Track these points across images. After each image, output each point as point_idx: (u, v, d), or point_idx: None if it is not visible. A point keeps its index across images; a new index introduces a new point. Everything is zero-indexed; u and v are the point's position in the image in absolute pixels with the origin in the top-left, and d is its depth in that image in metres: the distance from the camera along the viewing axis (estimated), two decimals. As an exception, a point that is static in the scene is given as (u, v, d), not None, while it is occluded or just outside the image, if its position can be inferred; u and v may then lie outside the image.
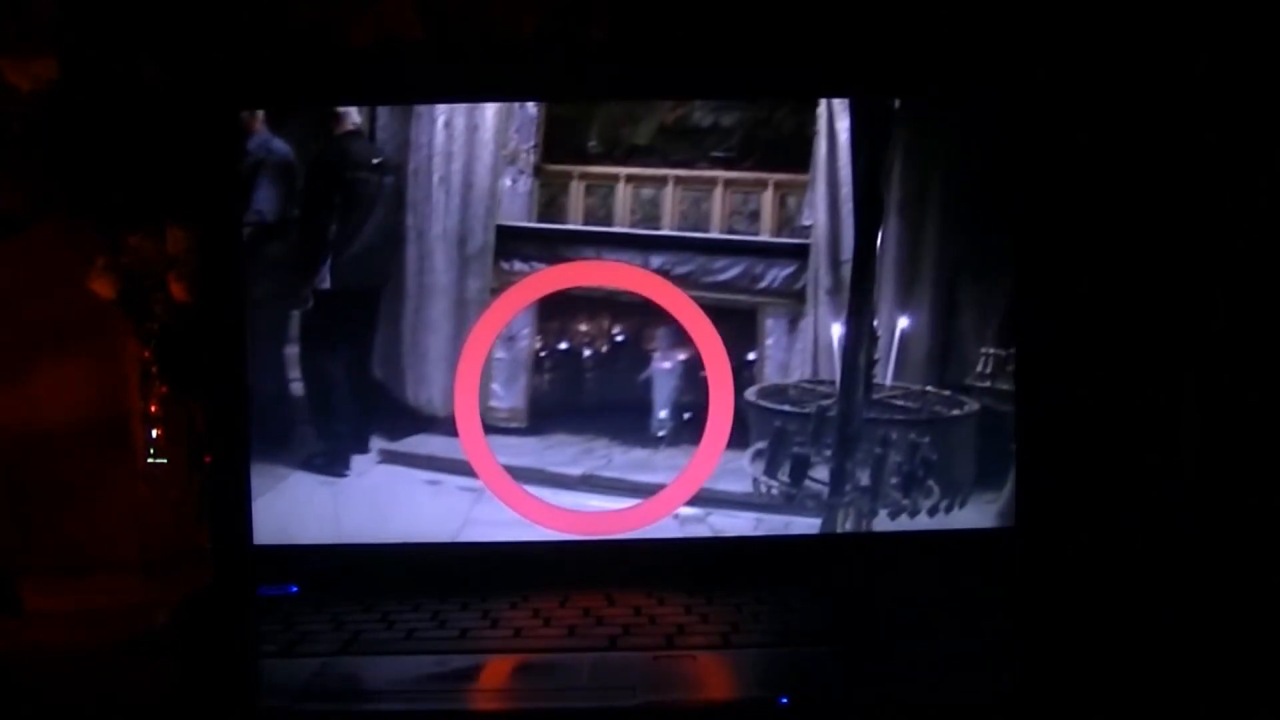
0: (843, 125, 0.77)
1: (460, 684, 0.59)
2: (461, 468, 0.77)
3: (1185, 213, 0.78)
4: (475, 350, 0.77)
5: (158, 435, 0.84)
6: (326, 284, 0.78)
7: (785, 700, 0.54)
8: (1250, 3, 0.75)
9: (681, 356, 0.77)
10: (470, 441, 0.77)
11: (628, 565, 0.76)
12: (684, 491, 0.77)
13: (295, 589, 0.75)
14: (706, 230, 0.78)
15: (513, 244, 0.78)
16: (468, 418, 0.77)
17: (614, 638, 0.64)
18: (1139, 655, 0.60)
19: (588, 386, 0.78)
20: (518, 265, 0.78)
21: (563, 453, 0.77)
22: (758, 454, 0.77)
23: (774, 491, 0.77)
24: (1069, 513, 0.77)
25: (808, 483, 0.77)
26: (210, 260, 0.77)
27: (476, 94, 0.78)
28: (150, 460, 0.84)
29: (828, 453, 0.77)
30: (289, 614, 0.69)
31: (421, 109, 0.77)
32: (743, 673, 0.60)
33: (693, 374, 0.77)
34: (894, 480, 0.77)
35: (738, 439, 0.77)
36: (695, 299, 0.77)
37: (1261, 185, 0.76)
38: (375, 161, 0.77)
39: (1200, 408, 0.78)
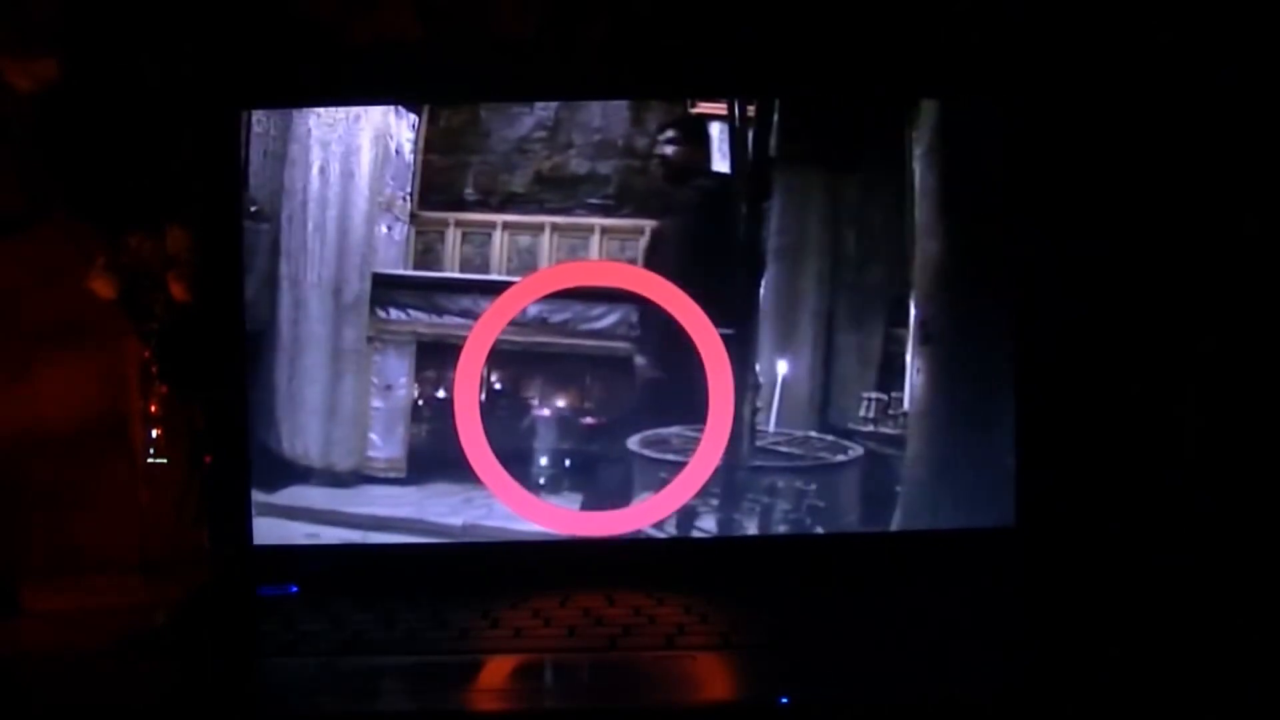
0: (721, 171, 0.77)
1: (460, 684, 0.59)
2: (340, 519, 0.77)
3: (1186, 212, 0.78)
4: (475, 350, 0.77)
5: (158, 435, 0.84)
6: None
7: (785, 700, 0.54)
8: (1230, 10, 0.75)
9: (560, 403, 0.77)
10: (470, 440, 0.77)
11: (628, 565, 0.76)
12: (686, 490, 0.77)
13: (295, 589, 0.75)
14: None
15: (389, 292, 0.78)
16: (467, 415, 0.77)
17: (614, 638, 0.63)
18: (1139, 655, 0.60)
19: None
20: (394, 314, 0.78)
21: (443, 503, 0.77)
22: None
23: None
24: (1069, 513, 0.77)
25: (694, 534, 0.77)
26: (210, 260, 0.77)
27: (476, 94, 0.78)
28: (150, 460, 0.84)
29: (714, 503, 0.77)
30: (289, 614, 0.69)
31: (295, 155, 0.77)
32: (743, 673, 0.60)
33: (572, 420, 0.77)
34: (782, 529, 0.77)
35: (620, 491, 0.77)
36: (572, 347, 0.77)
37: (1262, 183, 0.76)
38: (252, 210, 0.77)
39: (1201, 407, 0.78)
